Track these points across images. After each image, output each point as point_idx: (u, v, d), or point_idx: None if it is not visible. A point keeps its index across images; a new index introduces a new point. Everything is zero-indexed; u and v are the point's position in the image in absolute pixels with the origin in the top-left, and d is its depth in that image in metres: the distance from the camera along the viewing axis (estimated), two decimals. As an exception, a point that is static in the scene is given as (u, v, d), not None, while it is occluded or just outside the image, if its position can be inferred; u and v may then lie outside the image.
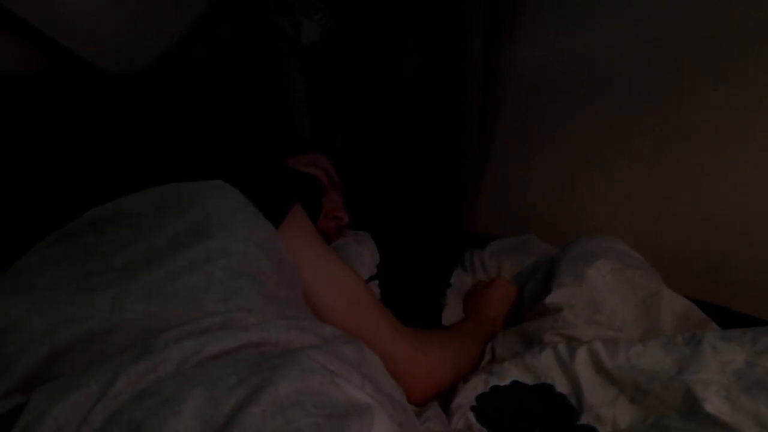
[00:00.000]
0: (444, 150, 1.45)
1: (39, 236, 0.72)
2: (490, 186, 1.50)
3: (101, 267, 0.65)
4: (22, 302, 0.59)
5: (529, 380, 0.82)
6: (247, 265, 0.69)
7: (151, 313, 0.59)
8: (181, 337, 0.58)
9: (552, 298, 0.95)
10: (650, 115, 1.26)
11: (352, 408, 0.54)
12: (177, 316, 0.60)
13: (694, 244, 1.24)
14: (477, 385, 0.81)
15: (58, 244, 0.70)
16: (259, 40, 1.57)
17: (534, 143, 1.42)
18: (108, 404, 0.51)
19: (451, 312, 1.14)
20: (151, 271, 0.63)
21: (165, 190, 0.74)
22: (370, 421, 0.53)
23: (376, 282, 1.17)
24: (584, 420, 0.77)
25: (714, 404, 0.71)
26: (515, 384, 0.81)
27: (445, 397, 0.87)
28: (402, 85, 1.46)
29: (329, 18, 1.57)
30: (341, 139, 1.61)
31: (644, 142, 1.28)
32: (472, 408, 0.80)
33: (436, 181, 1.49)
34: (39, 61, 1.28)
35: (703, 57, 1.17)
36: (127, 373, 0.53)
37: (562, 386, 0.82)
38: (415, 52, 1.45)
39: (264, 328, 0.61)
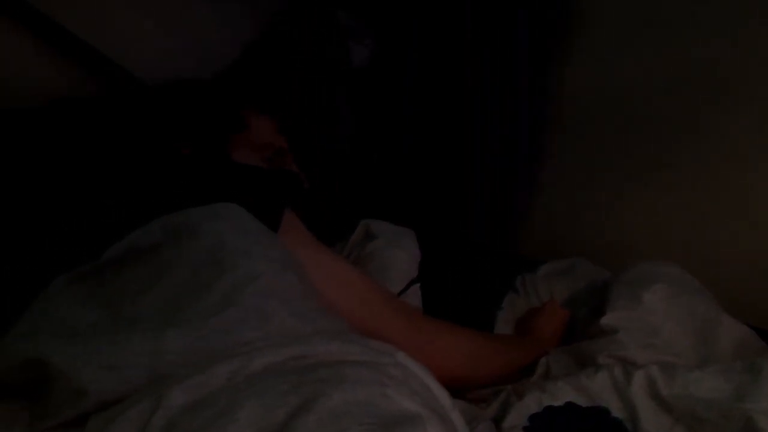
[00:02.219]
0: (492, 168, 1.45)
1: (62, 266, 0.73)
2: (539, 209, 1.49)
3: (132, 309, 0.65)
4: (64, 349, 0.59)
5: (583, 402, 0.81)
6: (274, 285, 0.69)
7: (191, 354, 0.60)
8: (227, 355, 0.59)
9: (607, 320, 0.94)
10: (700, 137, 1.25)
11: (403, 418, 0.54)
12: (217, 352, 0.60)
13: (751, 269, 1.21)
14: (530, 405, 0.80)
15: (81, 284, 0.71)
16: (308, 65, 1.61)
17: (583, 167, 1.41)
18: (165, 413, 0.52)
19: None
20: (183, 310, 0.64)
21: (173, 219, 0.74)
22: (423, 429, 0.53)
23: (417, 286, 1.16)
24: (641, 447, 0.75)
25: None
26: (569, 405, 0.80)
27: (497, 413, 0.86)
28: (447, 106, 1.48)
29: (377, 43, 1.60)
30: (378, 157, 1.63)
31: (695, 165, 1.26)
32: (525, 429, 0.78)
33: (485, 202, 1.48)
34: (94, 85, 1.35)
35: (751, 80, 1.16)
36: (181, 387, 0.54)
37: (617, 410, 0.80)
38: (459, 76, 1.47)
39: (305, 341, 0.62)
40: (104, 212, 0.86)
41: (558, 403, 0.80)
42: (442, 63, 1.42)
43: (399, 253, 1.21)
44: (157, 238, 0.72)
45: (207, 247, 0.69)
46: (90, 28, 1.31)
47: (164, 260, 0.69)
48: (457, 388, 0.86)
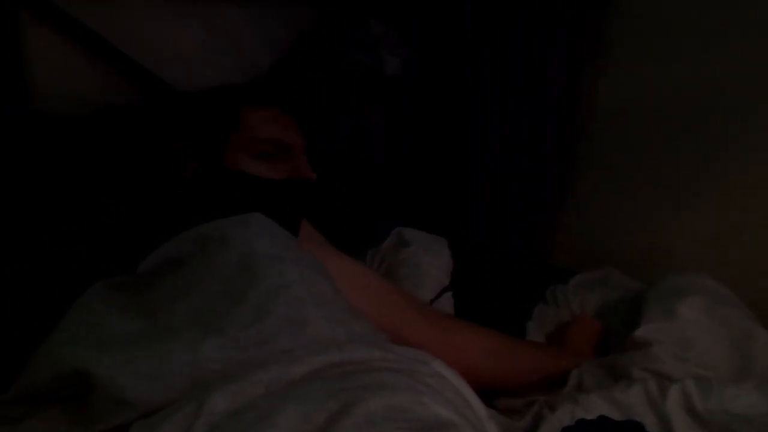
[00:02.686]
0: (523, 178, 1.45)
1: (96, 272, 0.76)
2: (572, 218, 1.49)
3: (169, 319, 0.67)
4: (104, 358, 0.61)
5: (616, 415, 0.80)
6: (306, 291, 0.71)
7: (230, 363, 0.61)
8: (265, 362, 0.61)
9: (641, 333, 0.93)
10: (740, 148, 1.23)
11: (438, 424, 0.55)
12: (254, 360, 0.62)
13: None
14: (563, 417, 0.80)
15: (117, 293, 0.73)
16: (341, 74, 1.62)
17: (618, 176, 1.40)
18: (207, 419, 0.54)
19: None
20: (220, 319, 0.65)
21: (203, 230, 0.76)
22: None
23: (450, 294, 1.17)
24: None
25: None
26: (602, 419, 0.79)
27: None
28: (480, 115, 1.49)
29: (409, 52, 1.61)
30: (411, 166, 1.63)
31: (734, 176, 1.24)
32: (558, 441, 0.78)
33: (514, 209, 1.48)
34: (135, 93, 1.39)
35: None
36: (222, 393, 0.56)
37: (651, 425, 0.80)
38: (491, 83, 1.48)
39: (341, 349, 0.64)
40: (136, 223, 0.89)
41: (591, 416, 0.79)
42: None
43: (431, 261, 1.22)
44: (189, 249, 0.74)
45: (238, 255, 0.71)
46: (131, 40, 1.36)
47: (197, 270, 0.72)
48: (478, 387, 0.86)
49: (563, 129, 1.41)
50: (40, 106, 1.28)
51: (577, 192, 1.47)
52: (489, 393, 0.91)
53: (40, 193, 1.10)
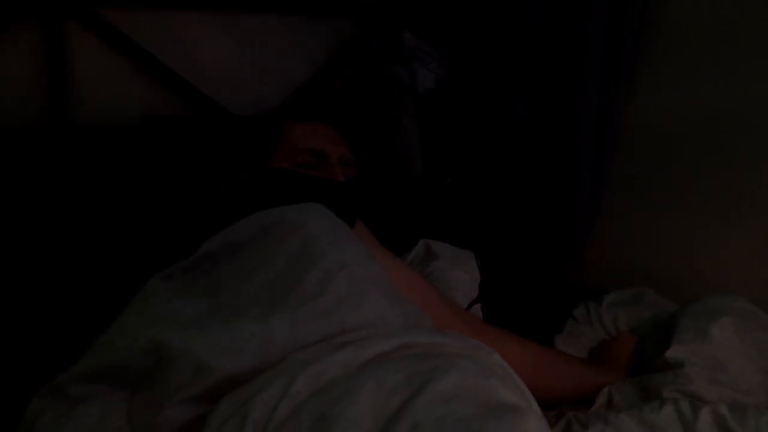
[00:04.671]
0: (553, 195, 1.45)
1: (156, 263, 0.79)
2: (603, 237, 1.48)
3: (233, 299, 0.71)
4: (180, 334, 0.65)
5: (646, 436, 0.80)
6: (363, 271, 0.75)
7: (296, 337, 0.65)
8: (340, 345, 0.64)
9: (673, 353, 0.92)
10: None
11: (507, 407, 0.58)
12: (321, 333, 0.66)
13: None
14: (593, 436, 0.80)
15: (183, 277, 0.76)
16: (376, 88, 1.64)
17: (649, 195, 1.39)
18: (291, 401, 0.58)
19: None
20: (284, 297, 0.69)
21: (267, 215, 0.80)
22: (526, 419, 0.56)
23: (478, 306, 1.17)
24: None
25: None
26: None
27: None
28: (513, 130, 1.49)
29: (443, 66, 1.63)
30: (450, 180, 1.64)
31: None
32: (588, 460, 0.78)
33: (544, 226, 1.48)
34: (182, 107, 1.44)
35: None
36: (304, 375, 0.60)
37: (682, 446, 0.79)
38: (526, 98, 1.48)
39: (407, 333, 0.69)
40: (193, 218, 0.93)
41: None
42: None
43: (461, 275, 1.23)
44: (250, 232, 0.78)
45: (299, 237, 0.75)
46: (174, 52, 1.40)
47: (260, 251, 0.75)
48: None
49: (596, 148, 1.41)
50: (84, 116, 1.33)
51: (609, 211, 1.46)
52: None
53: (101, 194, 1.16)
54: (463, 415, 0.55)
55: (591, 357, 1.13)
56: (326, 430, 0.54)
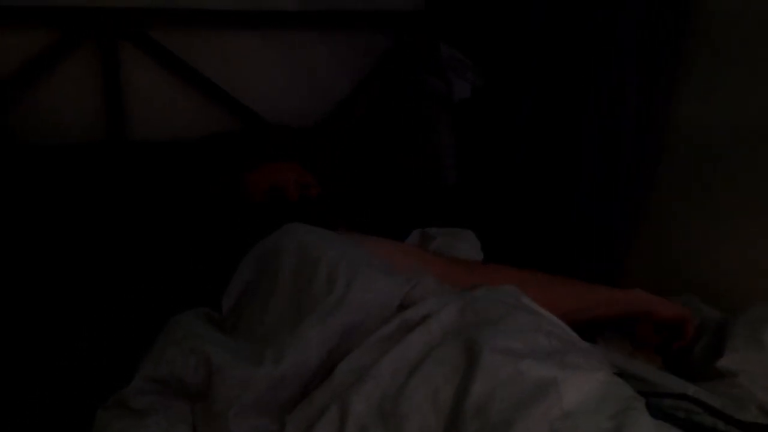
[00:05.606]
0: (598, 201, 1.46)
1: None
2: (647, 243, 1.48)
3: (262, 329, 0.76)
4: (223, 349, 0.71)
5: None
6: (358, 257, 0.83)
7: (325, 335, 0.72)
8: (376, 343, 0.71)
9: (726, 362, 0.93)
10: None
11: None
12: (345, 323, 0.73)
13: None
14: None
15: (208, 323, 0.82)
16: (413, 99, 1.67)
17: (695, 202, 1.39)
18: (355, 422, 0.64)
19: None
20: (304, 306, 0.76)
21: (256, 251, 0.87)
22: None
23: None
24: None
25: None
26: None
27: None
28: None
29: (479, 76, 1.65)
30: (483, 188, 1.66)
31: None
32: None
33: (588, 231, 1.49)
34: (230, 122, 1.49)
35: None
36: (357, 395, 0.65)
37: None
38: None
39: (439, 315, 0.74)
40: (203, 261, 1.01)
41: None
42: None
43: (464, 246, 1.28)
44: (252, 269, 0.85)
45: (294, 254, 0.82)
46: (219, 68, 1.45)
47: (269, 281, 0.82)
48: None
49: (639, 154, 1.41)
50: (137, 131, 1.38)
51: (653, 217, 1.46)
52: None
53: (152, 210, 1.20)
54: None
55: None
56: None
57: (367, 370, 0.66)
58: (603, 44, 1.39)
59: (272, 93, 1.54)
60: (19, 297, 1.00)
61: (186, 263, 1.11)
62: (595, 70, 1.41)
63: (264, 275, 0.83)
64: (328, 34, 1.58)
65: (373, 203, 1.46)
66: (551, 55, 1.48)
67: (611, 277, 1.48)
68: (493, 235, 1.46)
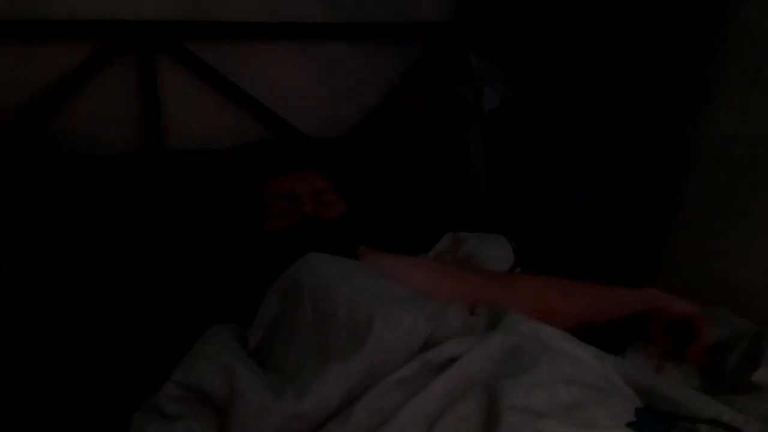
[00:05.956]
0: (628, 208, 1.46)
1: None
2: (679, 254, 1.47)
3: (293, 361, 0.79)
4: (247, 373, 0.73)
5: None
6: (381, 287, 0.84)
7: (347, 375, 0.72)
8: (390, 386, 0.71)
9: (761, 376, 0.92)
10: None
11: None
12: (366, 363, 0.73)
13: None
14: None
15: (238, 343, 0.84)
16: (443, 108, 1.68)
17: (728, 212, 1.38)
18: None
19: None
20: (327, 343, 0.78)
21: (279, 283, 0.87)
22: None
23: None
24: None
25: None
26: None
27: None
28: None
29: (508, 86, 1.65)
30: (513, 196, 1.67)
31: None
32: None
33: (618, 238, 1.49)
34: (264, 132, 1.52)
35: None
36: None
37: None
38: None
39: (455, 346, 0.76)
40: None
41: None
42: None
43: (495, 250, 1.30)
44: (274, 304, 0.86)
45: (313, 289, 0.83)
46: (257, 82, 1.48)
47: (291, 317, 0.83)
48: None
49: (669, 162, 1.41)
50: (174, 142, 1.41)
51: (685, 228, 1.45)
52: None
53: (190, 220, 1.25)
54: None
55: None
56: None
57: (386, 418, 0.67)
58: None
59: (305, 103, 1.57)
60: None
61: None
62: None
63: (288, 308, 0.85)
64: (360, 45, 1.61)
65: (403, 211, 1.47)
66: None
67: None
68: (524, 242, 1.46)
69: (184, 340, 0.84)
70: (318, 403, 0.69)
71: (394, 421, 0.66)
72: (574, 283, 1.07)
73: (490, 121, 1.67)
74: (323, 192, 1.14)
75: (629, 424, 0.68)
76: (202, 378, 0.74)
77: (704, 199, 1.41)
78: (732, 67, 1.34)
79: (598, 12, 1.40)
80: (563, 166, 1.51)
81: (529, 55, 1.53)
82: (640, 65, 1.38)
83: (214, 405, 0.74)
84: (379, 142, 1.55)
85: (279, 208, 1.09)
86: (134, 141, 1.39)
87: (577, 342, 0.83)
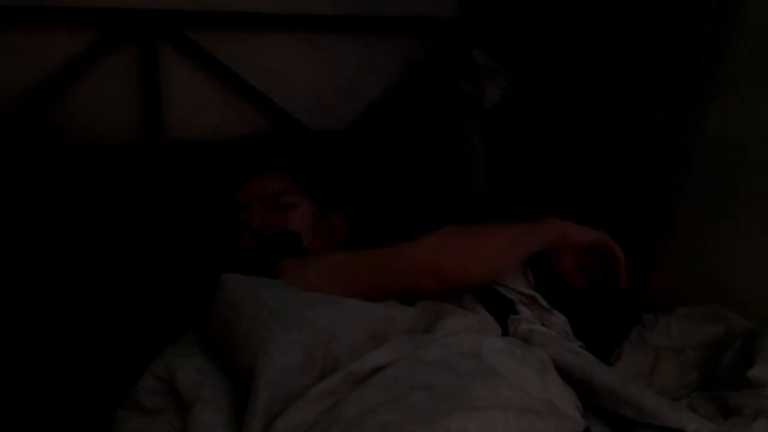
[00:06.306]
0: (627, 208, 1.46)
1: None
2: (677, 252, 1.48)
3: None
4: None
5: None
6: (278, 305, 0.81)
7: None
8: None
9: (756, 372, 0.92)
10: None
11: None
12: (303, 381, 0.73)
13: None
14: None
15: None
16: (444, 104, 1.69)
17: (726, 210, 1.38)
18: None
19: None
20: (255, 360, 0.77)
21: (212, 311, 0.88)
22: None
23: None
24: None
25: None
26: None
27: None
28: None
29: (510, 82, 1.66)
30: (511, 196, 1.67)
31: None
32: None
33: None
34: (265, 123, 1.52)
35: None
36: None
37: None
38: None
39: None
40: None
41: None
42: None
43: None
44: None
45: (226, 313, 0.83)
46: (260, 73, 1.48)
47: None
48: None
49: (669, 162, 1.41)
50: (174, 132, 1.41)
51: (683, 226, 1.46)
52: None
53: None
54: None
55: None
56: None
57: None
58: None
59: (307, 95, 1.57)
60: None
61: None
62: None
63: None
64: (363, 38, 1.61)
65: (403, 211, 1.47)
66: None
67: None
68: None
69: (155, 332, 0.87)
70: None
71: None
72: (476, 229, 1.00)
73: (491, 119, 1.67)
74: (279, 194, 1.14)
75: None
76: (175, 375, 0.77)
77: (704, 199, 1.42)
78: (732, 67, 1.34)
79: (598, 12, 1.41)
80: (563, 165, 1.52)
81: (529, 54, 1.54)
82: (640, 65, 1.39)
83: (181, 403, 0.76)
84: (379, 140, 1.55)
85: (243, 218, 1.12)
86: (135, 131, 1.38)
87: (520, 356, 0.80)
